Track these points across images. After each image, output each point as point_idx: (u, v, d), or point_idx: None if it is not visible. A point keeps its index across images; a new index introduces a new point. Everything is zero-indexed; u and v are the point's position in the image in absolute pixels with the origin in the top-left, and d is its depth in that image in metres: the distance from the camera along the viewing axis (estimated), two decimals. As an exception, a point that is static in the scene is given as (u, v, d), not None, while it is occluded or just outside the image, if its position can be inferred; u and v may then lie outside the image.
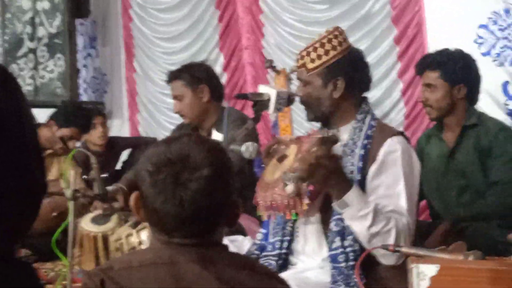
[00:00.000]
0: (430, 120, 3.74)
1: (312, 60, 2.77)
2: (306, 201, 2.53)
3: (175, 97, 4.19)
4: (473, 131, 3.57)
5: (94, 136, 5.71)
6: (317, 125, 2.94)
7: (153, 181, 1.53)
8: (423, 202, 3.86)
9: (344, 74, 2.79)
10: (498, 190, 3.47)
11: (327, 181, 2.46)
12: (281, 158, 2.69)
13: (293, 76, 5.72)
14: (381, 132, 2.75)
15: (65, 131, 5.09)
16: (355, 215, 2.50)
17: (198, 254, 1.53)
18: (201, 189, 1.51)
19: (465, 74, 3.62)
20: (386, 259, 2.55)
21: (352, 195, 2.49)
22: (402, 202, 2.61)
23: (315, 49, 2.77)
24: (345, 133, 2.79)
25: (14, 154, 0.94)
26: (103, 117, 5.84)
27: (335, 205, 2.55)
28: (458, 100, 3.60)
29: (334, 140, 2.46)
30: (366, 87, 2.88)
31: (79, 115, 5.23)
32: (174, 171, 1.52)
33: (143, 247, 3.67)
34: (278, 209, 2.62)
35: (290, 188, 2.49)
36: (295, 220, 2.76)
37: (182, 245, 1.54)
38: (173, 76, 4.21)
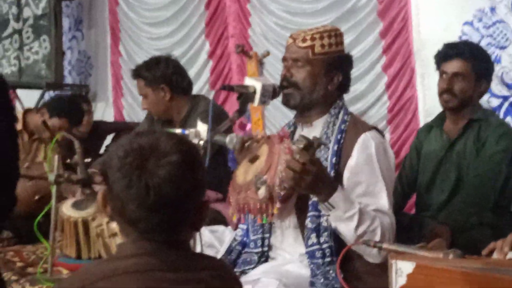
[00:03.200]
0: (446, 109, 3.64)
1: (323, 46, 2.76)
2: (277, 205, 2.52)
3: (141, 95, 4.24)
4: (476, 125, 3.56)
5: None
6: (285, 120, 2.93)
7: (120, 165, 1.50)
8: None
9: (343, 71, 2.82)
10: (475, 181, 3.51)
11: (314, 187, 2.44)
12: (253, 159, 2.67)
13: (266, 60, 5.73)
14: (354, 127, 2.76)
15: (55, 121, 5.11)
16: (341, 217, 2.50)
17: (171, 260, 1.53)
18: (168, 176, 1.48)
19: (490, 71, 3.66)
20: (373, 257, 2.57)
21: (338, 197, 2.48)
22: (384, 201, 2.64)
23: (329, 37, 2.78)
24: (318, 126, 2.81)
25: None
26: (88, 105, 5.83)
27: (320, 207, 2.55)
28: (476, 94, 3.62)
29: (318, 144, 2.44)
30: (347, 90, 2.91)
31: (72, 108, 5.25)
32: (142, 156, 1.49)
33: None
34: (250, 212, 2.61)
35: (262, 192, 2.49)
36: None
37: (155, 249, 1.53)
38: (135, 74, 4.26)
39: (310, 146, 2.38)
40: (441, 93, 3.63)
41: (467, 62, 3.56)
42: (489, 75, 3.67)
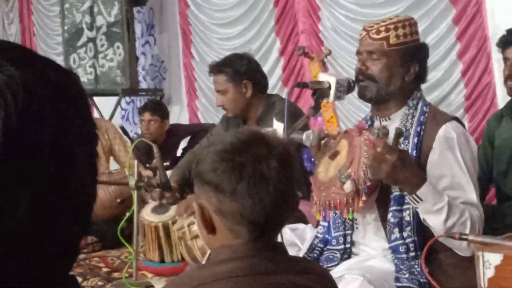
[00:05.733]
0: (511, 96, 3.61)
1: (397, 36, 2.71)
2: (363, 198, 2.48)
3: (218, 91, 4.19)
4: None
5: (143, 132, 5.82)
6: (360, 114, 2.88)
7: (234, 164, 1.44)
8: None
9: (419, 61, 2.76)
10: None
11: (395, 176, 2.38)
12: (333, 155, 2.64)
13: (338, 55, 5.69)
14: (434, 118, 2.69)
15: None
16: (430, 210, 2.44)
17: (273, 262, 1.48)
18: (280, 166, 1.45)
19: None
20: (462, 250, 2.51)
21: (426, 189, 2.42)
22: (471, 194, 2.57)
23: (403, 27, 2.72)
24: (396, 120, 2.75)
25: (64, 172, 0.92)
26: (151, 114, 5.86)
27: (408, 198, 2.50)
28: None
29: (399, 134, 2.39)
30: (424, 80, 2.85)
31: None
32: (254, 150, 1.45)
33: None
34: (337, 208, 2.57)
35: (348, 186, 2.45)
36: None
37: (259, 252, 1.47)
38: (215, 70, 4.19)
39: (386, 134, 2.35)
40: (505, 80, 3.58)
41: None
42: None
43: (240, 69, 4.10)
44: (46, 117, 0.84)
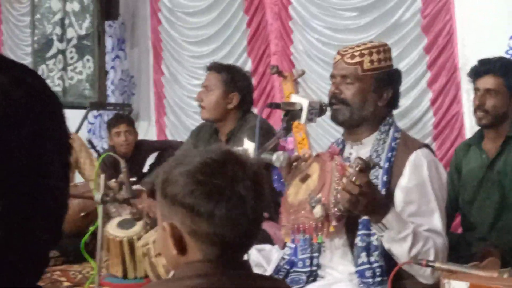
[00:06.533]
0: (480, 126, 3.63)
1: (372, 62, 2.73)
2: (333, 223, 2.48)
3: (205, 86, 4.13)
4: None
5: (117, 144, 5.75)
6: (329, 138, 2.89)
7: (211, 187, 1.40)
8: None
9: (392, 87, 2.78)
10: None
11: (369, 209, 2.40)
12: (304, 178, 2.63)
13: (309, 77, 5.71)
14: (405, 145, 2.71)
15: None
16: (395, 238, 2.45)
17: (237, 281, 1.46)
18: (255, 186, 1.42)
19: None
20: (425, 278, 2.52)
21: (391, 218, 2.43)
22: (437, 222, 2.58)
23: (378, 52, 2.74)
24: (367, 145, 2.76)
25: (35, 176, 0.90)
26: (127, 125, 5.83)
27: (373, 227, 2.51)
28: (510, 110, 3.56)
29: (374, 165, 2.38)
30: (397, 105, 2.87)
31: None
32: (229, 171, 1.41)
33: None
34: (306, 232, 2.56)
35: (318, 211, 2.44)
36: None
37: (224, 270, 1.45)
38: (215, 68, 4.15)
39: (368, 168, 2.33)
40: (474, 110, 3.62)
41: (499, 78, 3.54)
42: None
43: (238, 81, 4.07)
44: (22, 121, 0.83)
